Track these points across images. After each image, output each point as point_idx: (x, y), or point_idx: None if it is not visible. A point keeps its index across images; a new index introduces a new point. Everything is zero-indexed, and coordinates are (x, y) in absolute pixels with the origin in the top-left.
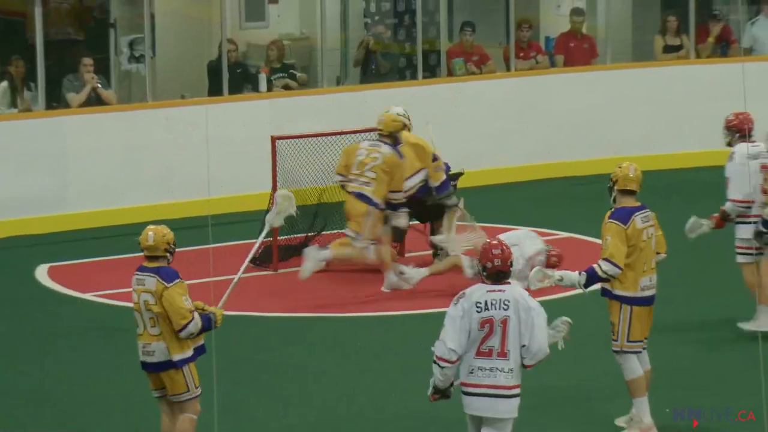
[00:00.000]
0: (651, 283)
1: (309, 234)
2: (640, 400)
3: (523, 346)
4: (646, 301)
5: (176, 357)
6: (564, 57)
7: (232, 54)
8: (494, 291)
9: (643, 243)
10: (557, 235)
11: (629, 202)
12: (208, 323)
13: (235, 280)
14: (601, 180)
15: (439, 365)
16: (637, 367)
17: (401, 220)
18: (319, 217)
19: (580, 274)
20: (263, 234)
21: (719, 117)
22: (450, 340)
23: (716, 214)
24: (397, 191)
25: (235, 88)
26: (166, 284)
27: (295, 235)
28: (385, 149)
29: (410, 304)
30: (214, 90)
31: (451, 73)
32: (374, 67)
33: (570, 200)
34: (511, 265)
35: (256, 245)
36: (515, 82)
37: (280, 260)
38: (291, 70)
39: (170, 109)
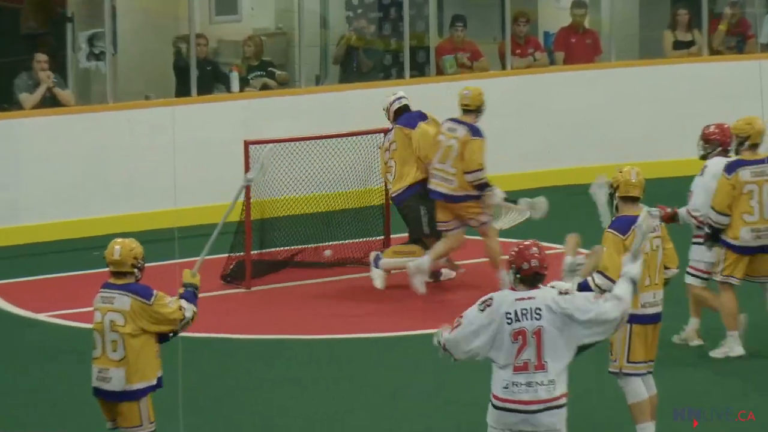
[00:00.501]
0: (655, 299)
1: (287, 248)
2: (643, 426)
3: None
4: (648, 319)
5: (136, 386)
6: (564, 54)
7: (201, 50)
8: (523, 299)
9: (645, 255)
10: (555, 248)
11: (631, 209)
12: (194, 298)
13: (209, 243)
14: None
15: (441, 349)
16: (640, 389)
17: (494, 197)
18: (300, 230)
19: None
20: (240, 191)
21: (734, 119)
22: (465, 344)
23: (670, 209)
24: (472, 171)
25: (205, 88)
26: (147, 303)
27: (270, 249)
28: (461, 132)
29: (392, 324)
30: (182, 90)
31: (441, 71)
32: (356, 64)
33: (570, 210)
34: (547, 267)
35: (231, 206)
36: (511, 81)
37: (253, 277)
38: (270, 68)
39: (133, 111)
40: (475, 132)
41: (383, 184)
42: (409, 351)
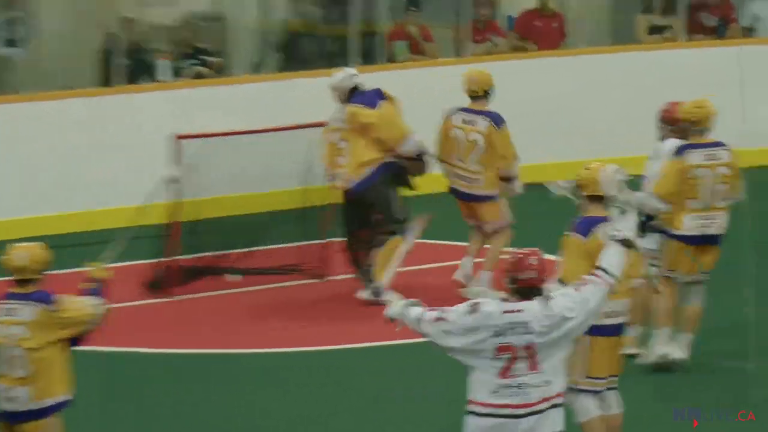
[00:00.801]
0: (619, 309)
1: (219, 254)
2: None
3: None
4: (609, 331)
5: (49, 401)
6: (527, 39)
7: (130, 36)
8: (511, 312)
9: None
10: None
11: (598, 210)
12: (100, 293)
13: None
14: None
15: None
16: (590, 407)
17: (515, 186)
18: (236, 233)
19: None
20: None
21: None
22: (441, 341)
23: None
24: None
25: (132, 77)
26: (51, 308)
27: (200, 255)
28: (482, 125)
29: (328, 338)
30: (107, 79)
31: (392, 58)
32: (299, 51)
33: (534, 214)
34: (545, 281)
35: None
36: (468, 68)
37: (180, 284)
38: (202, 56)
39: (51, 102)
40: (499, 121)
41: (331, 180)
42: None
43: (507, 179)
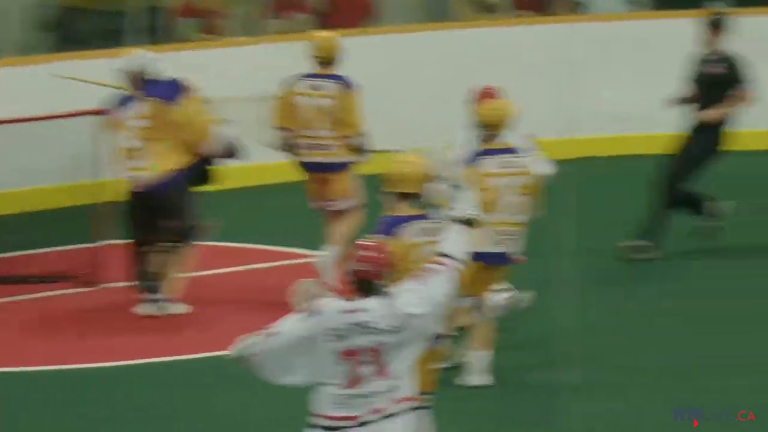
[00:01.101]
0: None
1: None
2: None
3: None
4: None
5: None
6: (331, 16)
7: None
8: (352, 312)
9: (410, 264)
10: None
11: (406, 208)
12: None
13: None
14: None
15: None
16: None
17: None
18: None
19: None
20: None
21: (543, 95)
22: (279, 361)
23: None
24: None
25: None
26: None
27: None
28: (332, 88)
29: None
30: None
31: (181, 37)
32: (74, 30)
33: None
34: (384, 275)
35: None
36: (265, 49)
37: None
38: None
39: None
40: (350, 83)
41: (123, 178)
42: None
43: (355, 151)
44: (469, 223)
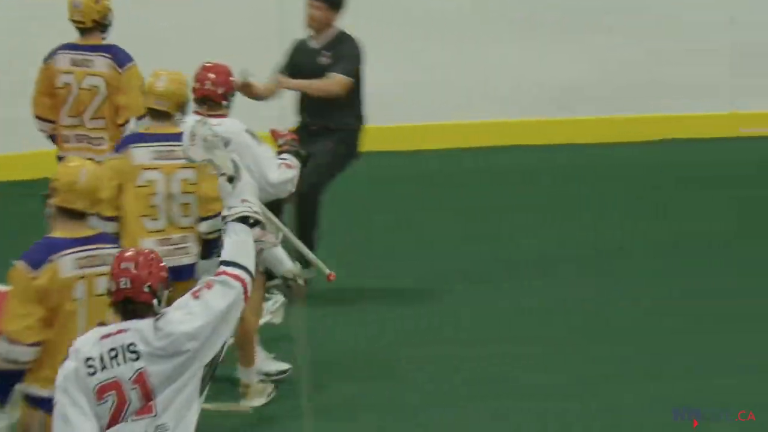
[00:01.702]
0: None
1: None
2: None
3: None
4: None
5: None
6: None
7: None
8: (111, 335)
9: (73, 304)
10: None
11: (73, 229)
12: None
13: None
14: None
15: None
16: None
17: None
18: None
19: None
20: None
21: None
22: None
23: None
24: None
25: None
26: None
27: None
28: (101, 64)
29: None
30: None
31: None
32: None
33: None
34: (155, 291)
35: None
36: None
37: None
38: None
39: None
40: (124, 58)
41: None
42: None
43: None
44: (252, 223)
